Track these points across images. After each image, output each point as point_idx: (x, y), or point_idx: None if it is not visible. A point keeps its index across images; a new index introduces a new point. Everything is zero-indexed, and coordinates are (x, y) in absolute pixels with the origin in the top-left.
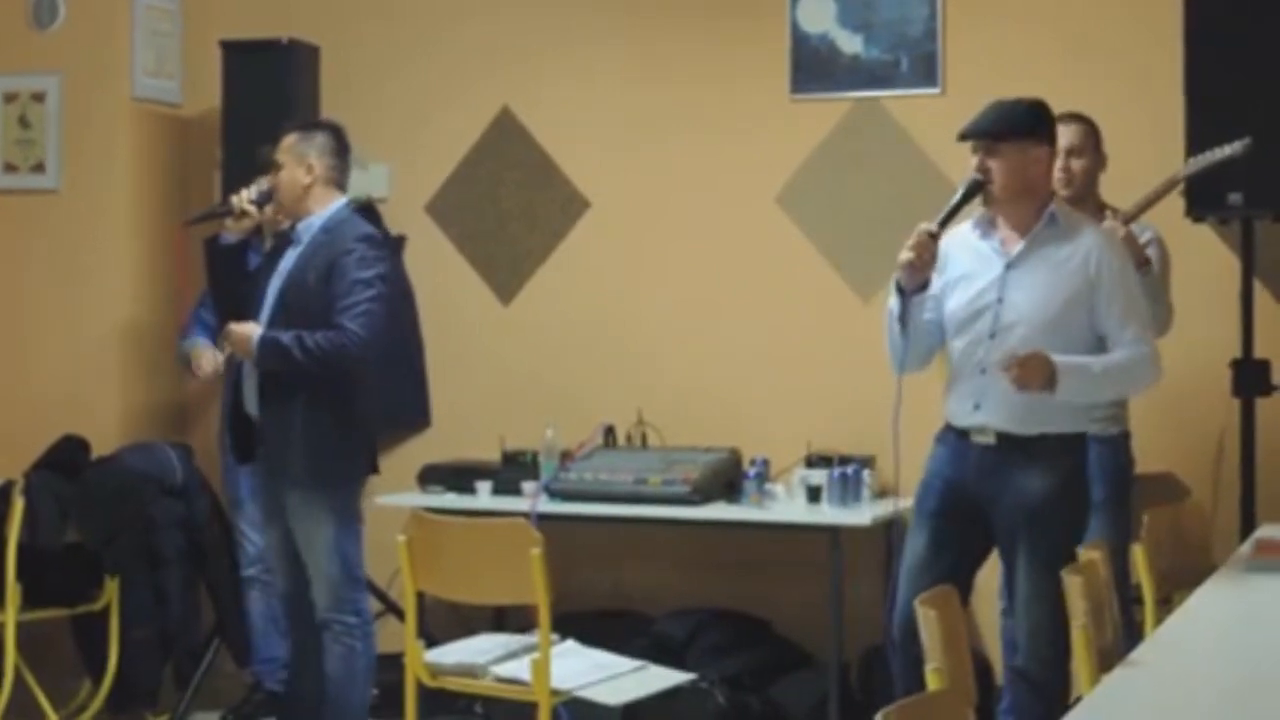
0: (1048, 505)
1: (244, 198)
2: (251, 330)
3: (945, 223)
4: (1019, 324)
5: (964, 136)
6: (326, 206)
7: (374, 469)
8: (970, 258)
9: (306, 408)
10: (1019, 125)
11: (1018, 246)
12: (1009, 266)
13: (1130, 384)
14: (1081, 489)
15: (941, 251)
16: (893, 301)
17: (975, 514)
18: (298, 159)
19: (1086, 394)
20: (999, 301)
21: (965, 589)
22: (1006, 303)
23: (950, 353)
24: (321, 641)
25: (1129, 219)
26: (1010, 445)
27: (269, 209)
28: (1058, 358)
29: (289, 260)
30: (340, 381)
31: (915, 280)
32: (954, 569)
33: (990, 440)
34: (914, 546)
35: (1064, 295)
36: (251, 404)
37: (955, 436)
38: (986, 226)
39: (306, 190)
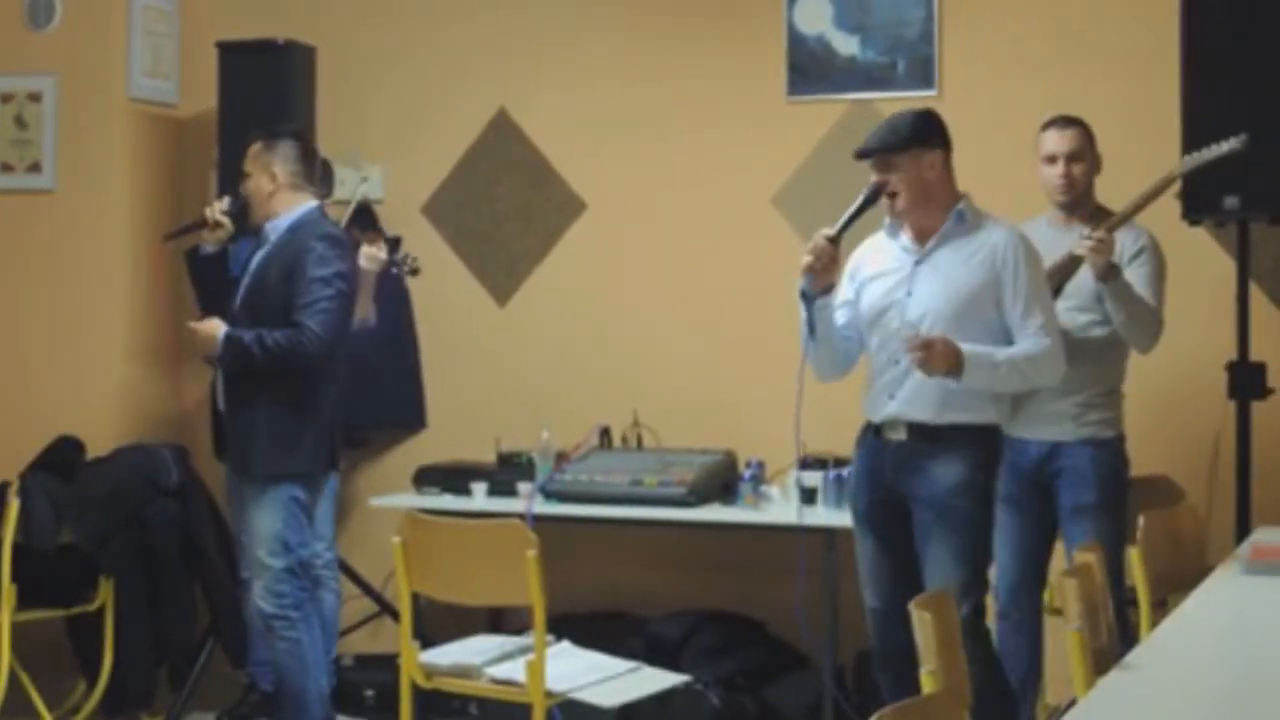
0: (956, 495)
1: (216, 209)
2: (215, 328)
3: (844, 228)
4: (925, 316)
5: (858, 156)
6: (293, 209)
7: (333, 465)
8: (882, 258)
9: (268, 405)
10: (909, 136)
11: (927, 244)
12: (917, 263)
13: (1033, 376)
14: (986, 481)
15: (855, 260)
16: (801, 309)
17: (900, 511)
18: (262, 167)
19: (989, 383)
20: (908, 295)
21: (921, 583)
22: (914, 296)
23: (867, 351)
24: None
25: (1124, 218)
26: (921, 437)
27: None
28: (964, 346)
29: (256, 260)
30: (303, 379)
31: (817, 285)
32: (905, 565)
33: (902, 436)
34: (863, 551)
35: (969, 289)
36: (220, 400)
37: (872, 435)
38: (895, 228)
39: (271, 197)
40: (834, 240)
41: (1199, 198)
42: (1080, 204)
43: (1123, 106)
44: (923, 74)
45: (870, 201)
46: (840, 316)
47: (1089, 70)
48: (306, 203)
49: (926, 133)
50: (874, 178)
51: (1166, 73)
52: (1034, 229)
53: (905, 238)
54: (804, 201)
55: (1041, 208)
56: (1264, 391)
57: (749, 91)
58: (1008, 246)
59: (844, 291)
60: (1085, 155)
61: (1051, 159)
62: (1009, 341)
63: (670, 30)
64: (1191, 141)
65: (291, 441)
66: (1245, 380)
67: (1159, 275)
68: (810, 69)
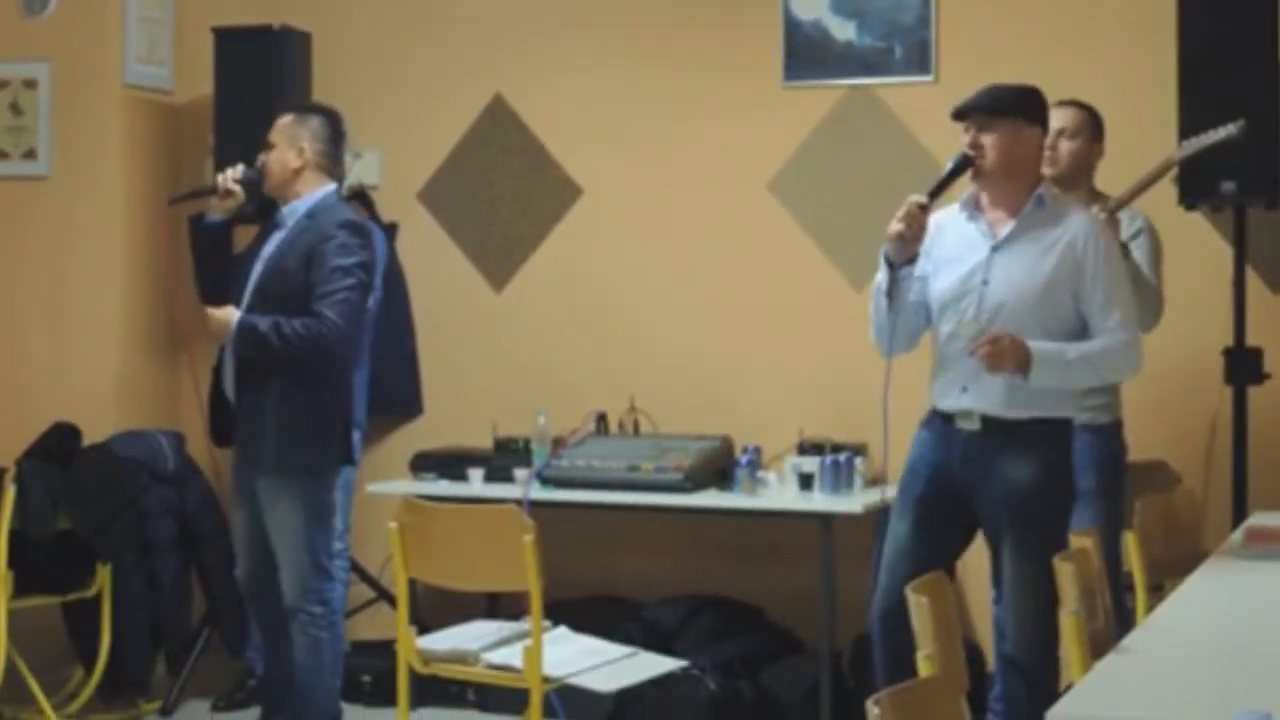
0: (1033, 492)
1: (229, 177)
2: (230, 315)
3: (935, 195)
4: (1004, 306)
5: (959, 112)
6: (314, 191)
7: (349, 460)
8: (957, 240)
9: (282, 395)
10: (1014, 104)
11: (1005, 229)
12: (995, 249)
13: (1106, 373)
14: (1067, 476)
15: (928, 236)
16: (881, 276)
17: (960, 500)
18: (290, 141)
19: (1060, 381)
20: (984, 284)
21: (949, 575)
22: (992, 285)
23: (936, 336)
24: (287, 625)
25: (1123, 203)
26: (996, 430)
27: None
28: (1033, 343)
29: (272, 244)
30: (317, 369)
31: (904, 253)
32: (937, 555)
33: (975, 426)
34: (896, 532)
35: (1049, 278)
36: (230, 388)
37: (940, 422)
38: (973, 209)
39: (296, 174)
40: (924, 207)
41: (1196, 183)
42: (1072, 183)
43: (1119, 92)
44: (920, 59)
45: (959, 170)
46: (911, 292)
47: (1085, 56)
48: (327, 186)
49: (1032, 107)
50: (965, 144)
51: (1164, 58)
52: None
53: (984, 221)
54: (800, 187)
55: None
56: (1260, 377)
57: (745, 77)
58: (1089, 237)
59: (917, 266)
60: (1080, 135)
61: None
62: (1083, 332)
63: (666, 16)
64: (1188, 127)
65: (309, 435)
66: (1242, 365)
67: (1156, 257)
68: (807, 54)
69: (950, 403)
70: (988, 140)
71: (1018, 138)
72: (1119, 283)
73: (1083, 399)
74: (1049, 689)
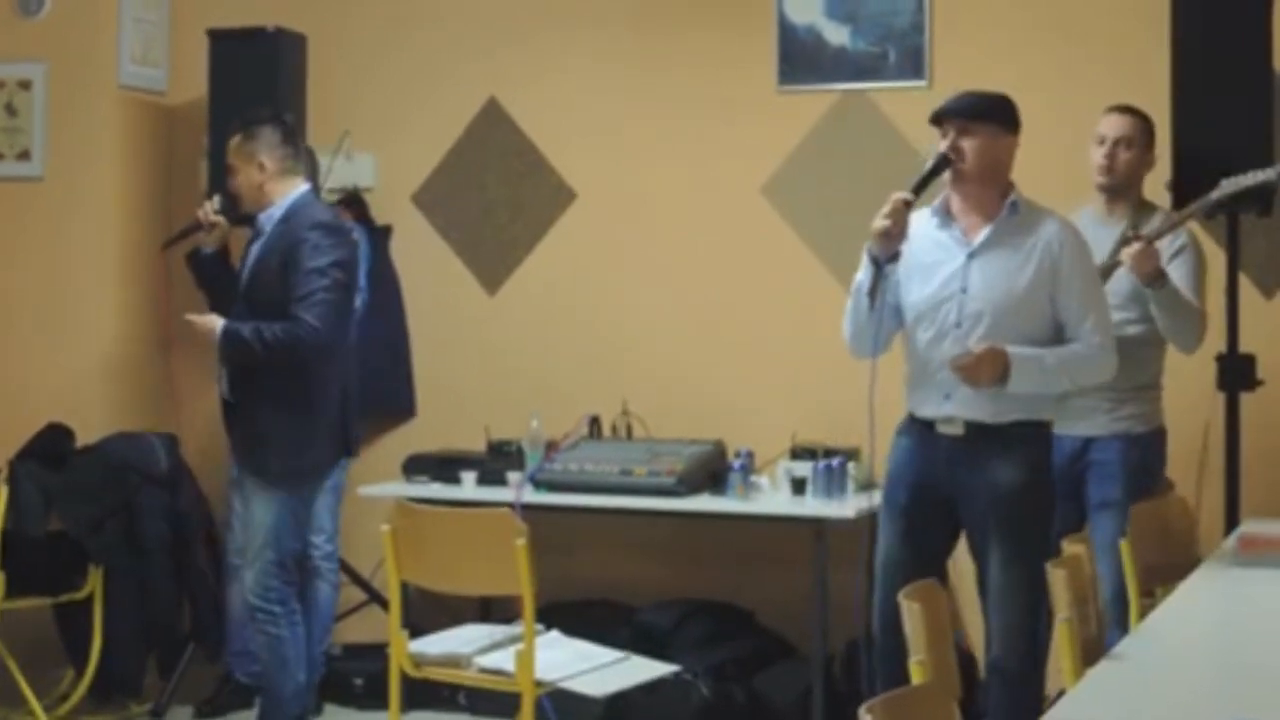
0: (1018, 496)
1: (209, 209)
2: (214, 323)
3: (918, 191)
4: (983, 313)
5: (939, 115)
6: (286, 195)
7: (349, 452)
8: (930, 247)
9: (272, 397)
10: (993, 111)
11: (979, 236)
12: (971, 256)
13: (1082, 377)
14: (1048, 478)
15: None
16: (862, 275)
17: (945, 506)
18: (247, 159)
19: (1038, 386)
20: (962, 291)
21: (941, 580)
22: (970, 292)
23: (913, 344)
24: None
25: (1157, 235)
26: (979, 435)
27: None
28: (1012, 350)
29: (254, 252)
30: (305, 371)
31: (889, 249)
32: (929, 562)
33: (958, 431)
34: (887, 541)
35: (1025, 284)
36: (225, 393)
37: (920, 428)
38: (944, 216)
39: (261, 187)
40: (909, 203)
41: (1189, 190)
42: (1123, 192)
43: (1113, 97)
44: (914, 65)
45: (939, 169)
46: (888, 293)
47: (1079, 61)
48: (298, 187)
49: (1009, 115)
50: (941, 146)
51: (1158, 63)
52: (1076, 221)
53: (957, 229)
54: (794, 191)
55: (1038, 197)
56: (1253, 383)
57: (740, 81)
58: (1063, 241)
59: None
60: (1135, 143)
61: (1100, 140)
62: (1059, 334)
63: (661, 20)
64: (1182, 130)
65: (302, 442)
66: (1235, 372)
67: (1199, 272)
68: (801, 59)
69: (932, 410)
70: (968, 145)
71: (996, 144)
72: (1093, 287)
73: (1117, 409)
74: (1036, 697)
